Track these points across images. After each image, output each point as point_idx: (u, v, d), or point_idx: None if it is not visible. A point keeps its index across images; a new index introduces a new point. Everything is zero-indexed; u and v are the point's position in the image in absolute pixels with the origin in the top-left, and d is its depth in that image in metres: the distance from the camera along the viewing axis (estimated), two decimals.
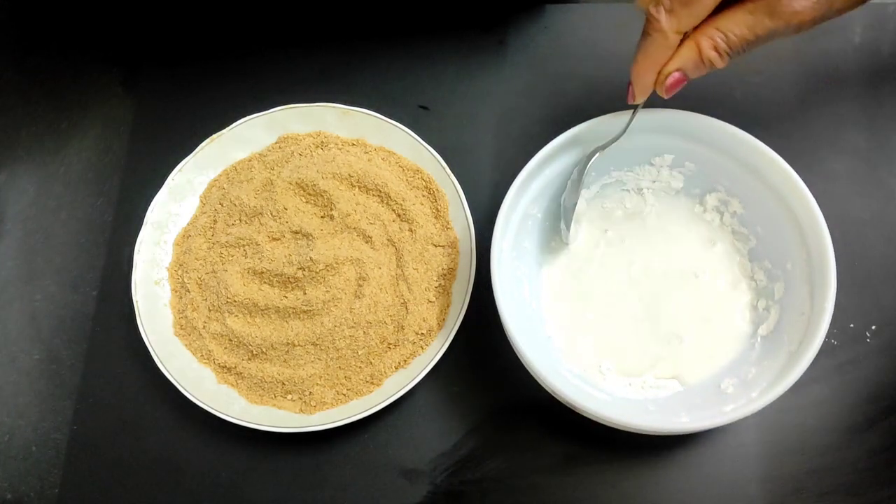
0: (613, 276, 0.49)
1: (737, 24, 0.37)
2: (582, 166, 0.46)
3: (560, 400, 0.42)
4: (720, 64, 0.38)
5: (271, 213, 0.51)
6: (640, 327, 0.48)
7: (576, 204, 0.47)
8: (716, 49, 0.38)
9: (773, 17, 0.36)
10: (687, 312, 0.48)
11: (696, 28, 0.38)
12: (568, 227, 0.48)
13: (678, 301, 0.48)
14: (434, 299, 0.50)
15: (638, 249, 0.50)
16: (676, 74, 0.39)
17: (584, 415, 0.41)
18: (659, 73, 0.40)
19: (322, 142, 0.54)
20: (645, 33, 0.39)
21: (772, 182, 0.45)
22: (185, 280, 0.52)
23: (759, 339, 0.46)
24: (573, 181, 0.47)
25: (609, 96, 0.47)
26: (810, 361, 0.40)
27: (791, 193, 0.44)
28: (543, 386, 0.42)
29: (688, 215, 0.50)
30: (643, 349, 0.47)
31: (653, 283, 0.49)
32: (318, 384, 0.48)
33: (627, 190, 0.51)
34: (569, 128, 0.46)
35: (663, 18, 0.37)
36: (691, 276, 0.49)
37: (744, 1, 0.37)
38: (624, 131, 0.45)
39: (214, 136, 0.54)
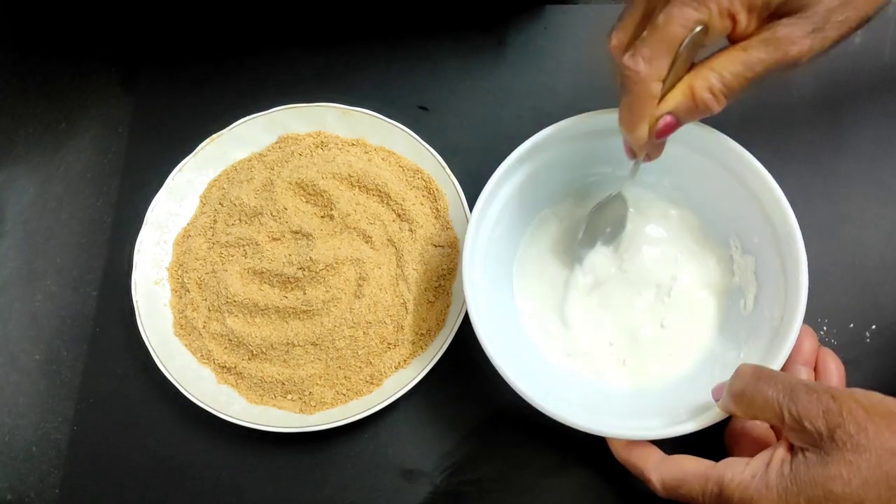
0: (585, 278, 0.49)
1: (731, 62, 0.35)
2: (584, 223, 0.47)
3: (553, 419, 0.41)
4: (715, 107, 0.36)
5: (271, 213, 0.51)
6: (622, 329, 0.48)
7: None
8: (710, 90, 0.36)
9: (768, 51, 0.35)
10: (665, 307, 0.47)
11: (688, 71, 0.36)
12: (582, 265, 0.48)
13: (653, 299, 0.48)
14: (434, 299, 0.50)
15: (609, 252, 0.49)
16: (668, 118, 0.37)
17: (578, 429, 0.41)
18: None
19: (322, 142, 0.54)
20: (625, 88, 0.36)
21: (723, 160, 0.44)
22: (185, 280, 0.52)
23: (742, 323, 0.45)
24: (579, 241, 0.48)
25: (609, 96, 0.46)
26: (795, 338, 0.40)
27: (742, 167, 0.43)
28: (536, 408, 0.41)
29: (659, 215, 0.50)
30: (628, 350, 0.47)
31: (631, 280, 0.48)
32: (317, 384, 0.48)
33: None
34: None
35: (642, 67, 0.35)
36: (664, 275, 0.48)
37: (734, 43, 0.35)
38: (627, 216, 0.46)
39: (214, 136, 0.54)
